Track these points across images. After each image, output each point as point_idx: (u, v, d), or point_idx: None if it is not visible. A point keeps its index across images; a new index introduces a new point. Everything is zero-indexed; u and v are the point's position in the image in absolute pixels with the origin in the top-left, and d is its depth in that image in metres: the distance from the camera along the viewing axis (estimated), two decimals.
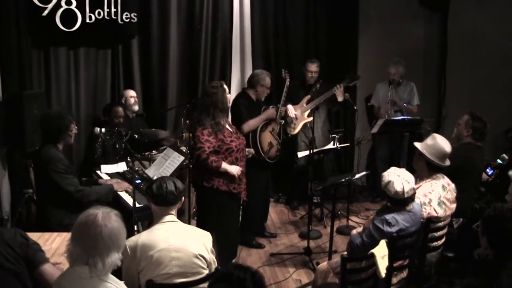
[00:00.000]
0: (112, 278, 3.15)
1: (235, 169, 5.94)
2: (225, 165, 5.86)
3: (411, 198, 4.73)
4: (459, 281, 4.70)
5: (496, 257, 3.63)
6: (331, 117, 8.88)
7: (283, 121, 7.34)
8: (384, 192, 4.75)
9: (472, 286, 3.65)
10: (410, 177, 4.72)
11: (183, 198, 4.29)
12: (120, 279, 3.28)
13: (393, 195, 4.65)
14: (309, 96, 7.93)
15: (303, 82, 8.26)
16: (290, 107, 7.52)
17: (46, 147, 5.54)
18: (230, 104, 6.73)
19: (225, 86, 5.95)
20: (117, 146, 7.35)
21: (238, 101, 7.11)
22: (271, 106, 7.15)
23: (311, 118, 7.23)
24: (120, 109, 7.60)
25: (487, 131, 6.12)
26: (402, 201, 4.68)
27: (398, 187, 4.62)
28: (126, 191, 5.91)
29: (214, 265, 4.17)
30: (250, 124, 6.86)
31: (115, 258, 3.10)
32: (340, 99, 7.89)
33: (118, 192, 5.91)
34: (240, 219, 6.65)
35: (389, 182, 4.66)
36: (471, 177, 6.02)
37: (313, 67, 8.20)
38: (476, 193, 6.16)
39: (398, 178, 4.66)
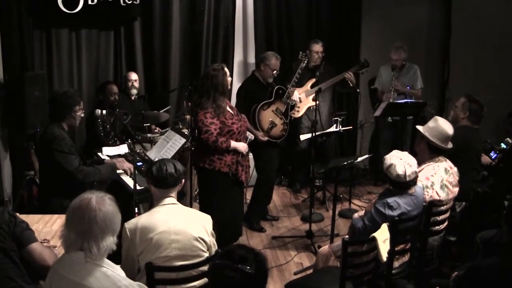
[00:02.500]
0: (107, 262, 3.14)
1: (243, 146, 5.98)
2: (233, 143, 5.87)
3: (413, 182, 4.71)
4: (470, 262, 4.68)
5: None
6: (334, 100, 8.86)
7: (292, 101, 7.27)
8: (386, 175, 4.73)
9: (500, 267, 3.66)
10: (412, 161, 4.70)
11: (183, 180, 4.28)
12: (117, 263, 3.26)
13: (394, 178, 4.64)
14: (314, 79, 7.87)
15: (306, 64, 8.17)
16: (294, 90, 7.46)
17: (51, 126, 5.51)
18: (232, 87, 6.71)
19: (226, 69, 5.92)
20: (117, 128, 7.34)
21: (243, 85, 7.16)
22: (277, 86, 7.12)
23: (314, 102, 7.18)
24: (114, 86, 7.66)
25: (484, 114, 6.13)
26: (403, 185, 4.66)
27: (400, 170, 4.60)
28: (127, 173, 5.90)
29: (214, 248, 4.16)
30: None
31: (110, 242, 3.09)
32: (352, 84, 7.87)
33: (120, 175, 5.91)
34: (245, 200, 6.68)
35: (391, 165, 4.65)
36: (470, 160, 6.02)
37: (317, 47, 8.08)
38: (476, 175, 6.15)
39: (400, 161, 4.64)
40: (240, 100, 7.04)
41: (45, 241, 4.30)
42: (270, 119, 6.99)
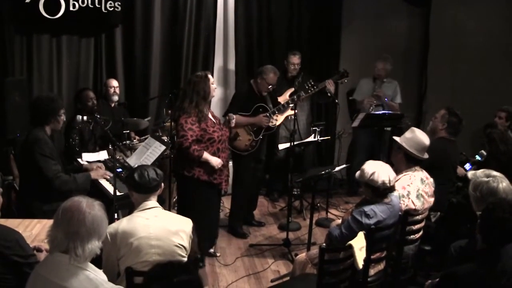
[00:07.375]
0: (91, 266, 3.19)
1: (215, 161, 5.95)
2: (206, 155, 5.88)
3: (393, 188, 4.79)
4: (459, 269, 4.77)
5: (489, 246, 3.77)
6: (313, 110, 8.92)
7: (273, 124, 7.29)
8: (368, 184, 4.77)
9: (475, 273, 3.75)
10: (389, 168, 4.79)
11: (162, 184, 4.32)
12: (100, 268, 3.31)
13: (379, 185, 4.68)
14: (292, 89, 7.91)
15: (285, 74, 8.23)
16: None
17: (35, 130, 5.48)
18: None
19: (210, 76, 5.98)
20: (95, 134, 7.33)
21: (236, 92, 7.23)
22: (257, 104, 7.15)
23: (293, 111, 7.22)
24: (90, 92, 7.63)
25: (462, 128, 6.24)
26: (387, 190, 4.72)
27: (384, 176, 4.66)
28: (107, 180, 5.90)
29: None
30: (237, 118, 6.81)
31: (95, 245, 3.15)
32: (330, 94, 7.87)
33: (99, 181, 5.90)
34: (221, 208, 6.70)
35: (374, 172, 4.69)
36: (445, 171, 6.13)
37: (295, 59, 8.17)
38: (451, 187, 6.24)
39: (381, 167, 4.71)
40: (231, 106, 7.07)
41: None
42: (236, 131, 7.02)
